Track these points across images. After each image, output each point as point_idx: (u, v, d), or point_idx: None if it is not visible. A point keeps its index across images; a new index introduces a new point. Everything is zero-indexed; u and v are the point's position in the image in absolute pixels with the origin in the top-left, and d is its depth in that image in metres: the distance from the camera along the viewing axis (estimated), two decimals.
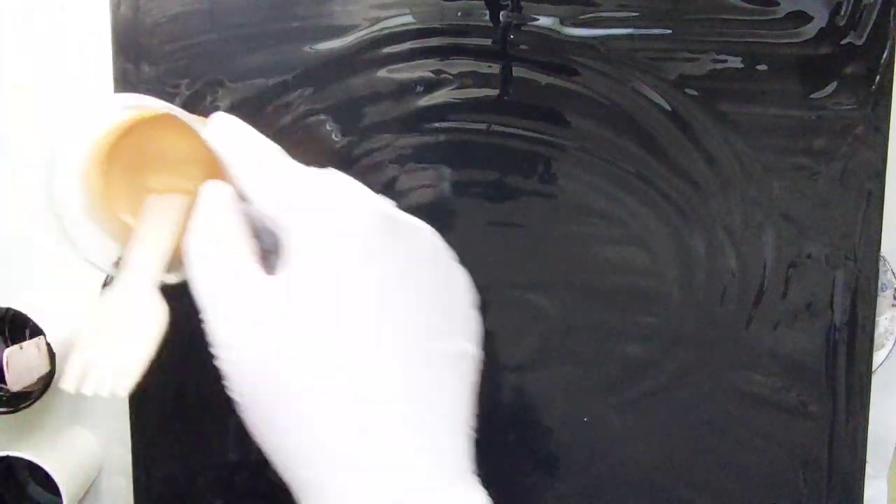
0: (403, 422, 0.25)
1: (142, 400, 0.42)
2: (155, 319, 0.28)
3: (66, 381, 0.27)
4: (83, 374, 0.27)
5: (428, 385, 0.26)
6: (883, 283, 0.42)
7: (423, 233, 0.28)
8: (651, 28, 0.40)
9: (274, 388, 0.25)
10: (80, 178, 0.30)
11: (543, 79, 0.41)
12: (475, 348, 0.29)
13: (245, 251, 0.26)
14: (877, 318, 0.41)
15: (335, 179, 0.27)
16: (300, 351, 0.25)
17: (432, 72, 0.41)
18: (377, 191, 0.28)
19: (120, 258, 0.30)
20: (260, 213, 0.27)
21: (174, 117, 0.29)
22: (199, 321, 0.26)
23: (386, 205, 0.27)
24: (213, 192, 0.28)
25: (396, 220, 0.27)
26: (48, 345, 0.43)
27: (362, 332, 0.25)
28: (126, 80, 0.42)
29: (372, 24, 0.41)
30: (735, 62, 0.40)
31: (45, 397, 0.44)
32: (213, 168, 0.29)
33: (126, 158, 0.30)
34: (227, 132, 0.29)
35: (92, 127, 0.30)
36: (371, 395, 0.25)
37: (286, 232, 0.26)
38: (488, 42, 0.41)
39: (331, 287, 0.25)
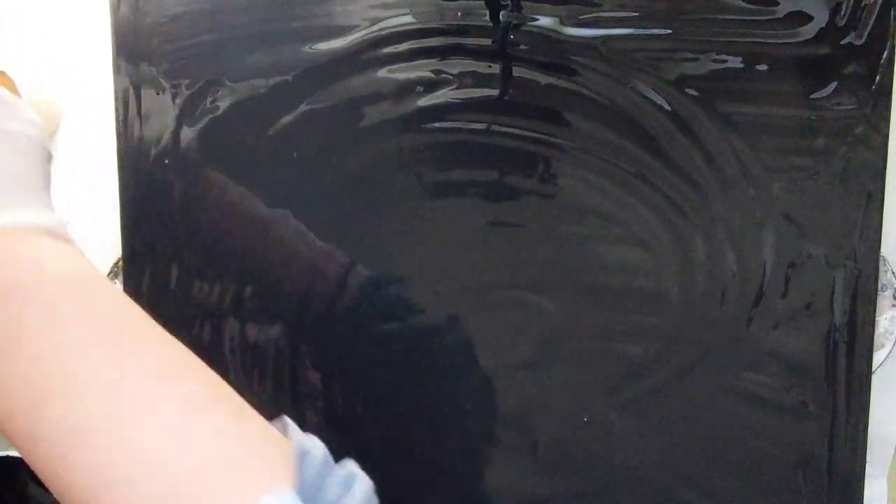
0: None
1: None
2: None
3: None
4: None
5: None
6: (883, 283, 0.42)
7: None
8: (651, 28, 0.40)
9: None
10: None
11: (543, 79, 0.41)
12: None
13: None
14: (877, 318, 0.41)
15: None
16: None
17: (432, 72, 0.41)
18: None
19: None
20: None
21: None
22: None
23: None
24: None
25: None
26: None
27: None
28: (126, 80, 0.42)
29: (372, 24, 0.41)
30: (735, 62, 0.40)
31: None
32: None
33: None
34: None
35: None
36: None
37: None
38: (488, 42, 0.41)
39: None
